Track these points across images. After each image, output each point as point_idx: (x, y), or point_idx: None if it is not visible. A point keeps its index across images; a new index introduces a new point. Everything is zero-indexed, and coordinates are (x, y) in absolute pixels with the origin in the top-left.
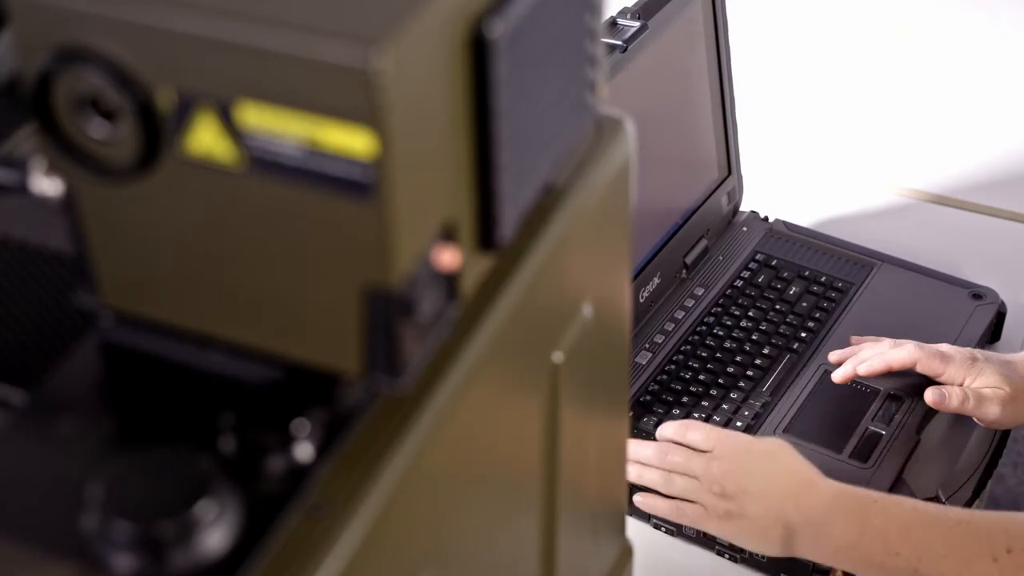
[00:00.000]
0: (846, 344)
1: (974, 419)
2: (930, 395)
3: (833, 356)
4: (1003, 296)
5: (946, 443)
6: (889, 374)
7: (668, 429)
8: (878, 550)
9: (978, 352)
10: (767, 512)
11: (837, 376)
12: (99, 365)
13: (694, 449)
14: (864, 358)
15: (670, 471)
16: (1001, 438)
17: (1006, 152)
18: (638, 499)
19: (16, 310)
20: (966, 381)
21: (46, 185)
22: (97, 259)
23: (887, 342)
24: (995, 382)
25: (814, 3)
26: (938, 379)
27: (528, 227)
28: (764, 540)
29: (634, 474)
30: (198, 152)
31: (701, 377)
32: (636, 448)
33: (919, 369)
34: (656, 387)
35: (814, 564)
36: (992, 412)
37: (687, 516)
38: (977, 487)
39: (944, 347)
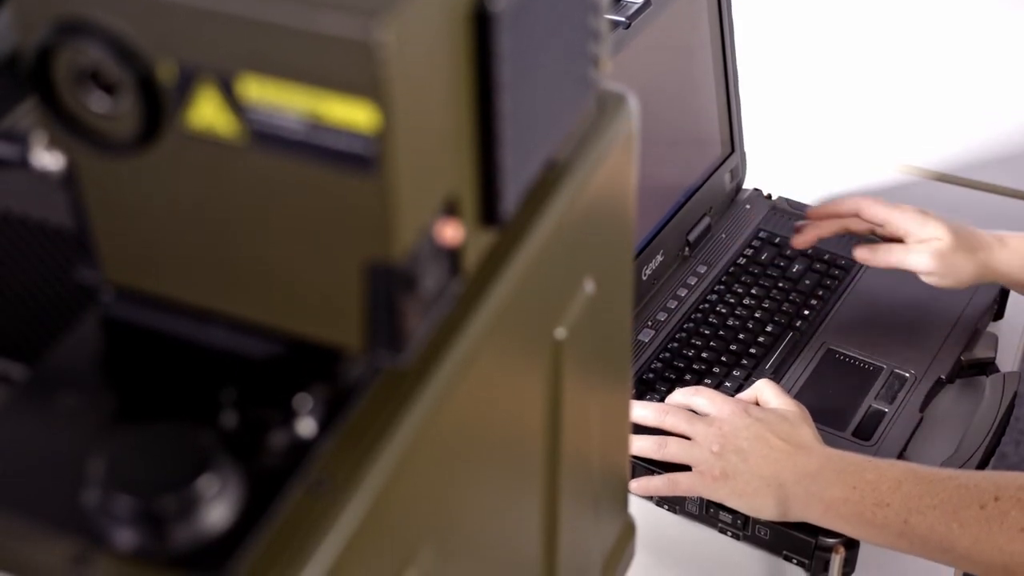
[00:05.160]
0: (849, 323)
1: (916, 274)
2: (859, 252)
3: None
4: None
5: (949, 421)
6: (890, 350)
7: (678, 395)
8: (869, 503)
9: (933, 212)
10: (761, 471)
11: (796, 240)
12: (100, 340)
13: (696, 413)
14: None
15: (667, 432)
16: (1004, 417)
17: (1009, 130)
18: (632, 485)
19: (17, 285)
20: (911, 229)
21: (47, 160)
22: (98, 234)
23: None
24: (939, 234)
25: None
26: (881, 230)
27: (530, 203)
28: (758, 499)
29: None
30: (199, 126)
31: (704, 355)
32: (634, 409)
33: (864, 216)
34: (659, 365)
35: (816, 541)
36: (923, 263)
37: (681, 486)
38: (979, 465)
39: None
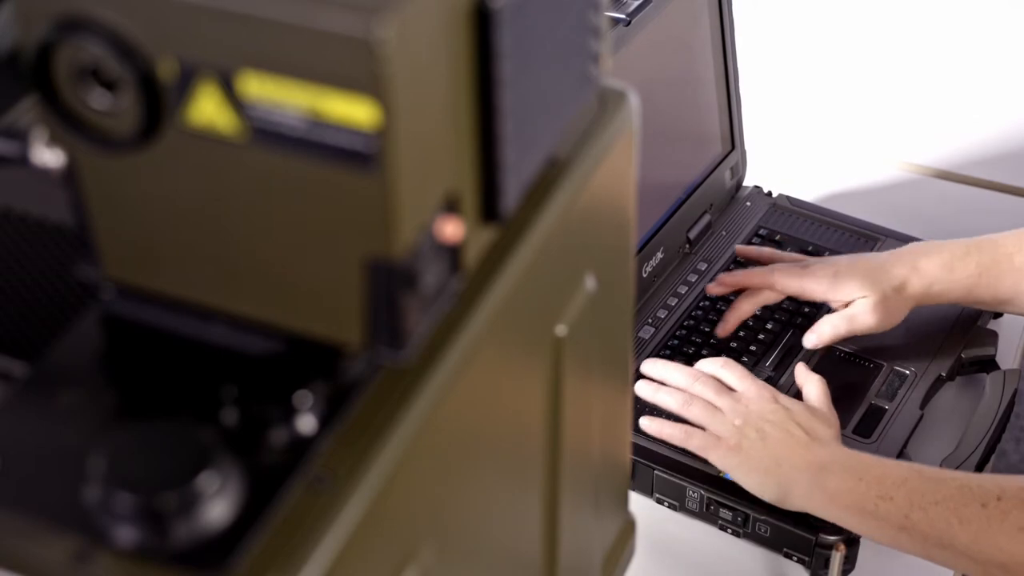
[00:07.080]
0: None
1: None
2: (807, 340)
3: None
4: None
5: (949, 419)
6: (890, 347)
7: (706, 364)
8: (872, 495)
9: (841, 261)
10: (773, 454)
11: (720, 328)
12: (101, 337)
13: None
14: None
15: (693, 396)
16: (1004, 414)
17: (1010, 127)
18: (644, 422)
19: (17, 282)
20: (828, 294)
21: (47, 156)
22: (98, 231)
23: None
24: (859, 291)
25: None
26: (800, 297)
27: (531, 199)
28: (763, 479)
29: (649, 392)
30: (200, 123)
31: (704, 352)
32: (665, 369)
33: (779, 289)
34: None
35: (816, 538)
36: (866, 323)
37: (693, 441)
38: (979, 463)
39: (807, 260)
